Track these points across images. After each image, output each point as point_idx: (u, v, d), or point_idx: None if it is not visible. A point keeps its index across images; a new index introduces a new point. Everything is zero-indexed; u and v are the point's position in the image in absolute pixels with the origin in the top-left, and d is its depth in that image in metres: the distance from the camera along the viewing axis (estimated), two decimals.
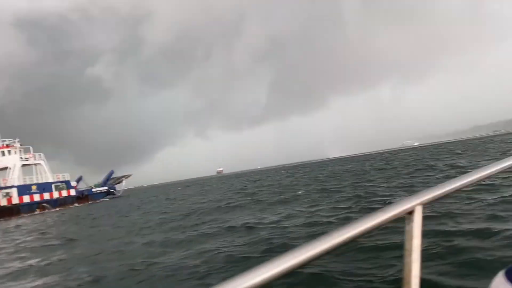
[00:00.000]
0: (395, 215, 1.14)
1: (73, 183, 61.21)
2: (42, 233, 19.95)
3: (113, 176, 75.13)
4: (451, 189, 1.38)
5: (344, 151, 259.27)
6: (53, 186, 56.81)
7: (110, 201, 56.86)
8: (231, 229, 11.01)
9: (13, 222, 37.44)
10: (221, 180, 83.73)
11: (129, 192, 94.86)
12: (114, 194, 70.02)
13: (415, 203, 1.20)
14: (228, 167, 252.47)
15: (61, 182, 59.20)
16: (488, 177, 1.56)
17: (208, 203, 22.03)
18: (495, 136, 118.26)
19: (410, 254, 1.17)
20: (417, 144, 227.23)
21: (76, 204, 57.74)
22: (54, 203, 54.85)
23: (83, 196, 61.22)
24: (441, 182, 1.37)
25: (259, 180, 47.74)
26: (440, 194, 1.33)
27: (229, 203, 19.31)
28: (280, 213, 12.87)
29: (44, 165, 57.73)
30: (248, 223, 11.45)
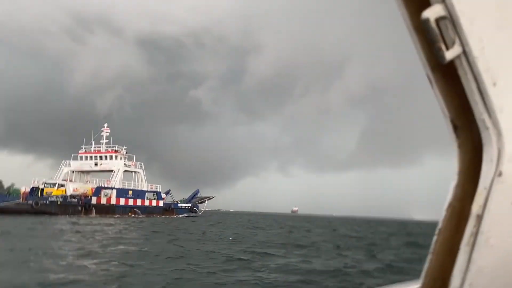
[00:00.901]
0: None
1: (163, 195, 65.83)
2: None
3: (198, 195, 79.03)
4: None
5: (430, 214, 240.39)
6: (146, 194, 61.75)
7: (191, 218, 60.08)
8: None
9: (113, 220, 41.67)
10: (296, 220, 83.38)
11: (206, 214, 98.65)
12: (196, 212, 73.45)
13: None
14: (303, 207, 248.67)
15: (153, 192, 64.13)
16: None
17: None
18: None
19: None
20: None
21: (161, 215, 61.88)
22: (143, 210, 59.47)
23: (169, 209, 65.30)
24: None
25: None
26: None
27: None
28: None
29: (142, 174, 63.23)
30: None
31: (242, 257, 14.14)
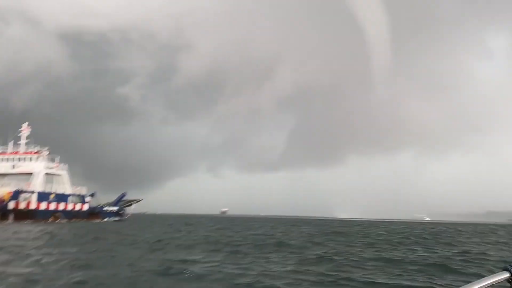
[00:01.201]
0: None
1: (87, 199, 63.75)
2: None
3: (125, 198, 77.40)
4: None
5: (354, 213, 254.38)
6: (69, 198, 59.42)
7: (117, 223, 58.82)
8: None
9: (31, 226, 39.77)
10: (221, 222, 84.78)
11: (134, 217, 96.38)
12: (122, 216, 71.95)
13: None
14: (233, 208, 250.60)
15: (77, 195, 61.87)
16: None
17: None
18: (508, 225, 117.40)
19: None
20: (428, 219, 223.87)
21: (86, 219, 59.92)
22: (67, 214, 57.21)
23: (95, 213, 63.43)
24: None
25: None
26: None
27: None
28: None
29: (65, 176, 60.71)
30: None
31: None
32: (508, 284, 1.58)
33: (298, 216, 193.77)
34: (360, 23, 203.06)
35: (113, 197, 76.57)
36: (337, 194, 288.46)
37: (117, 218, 68.79)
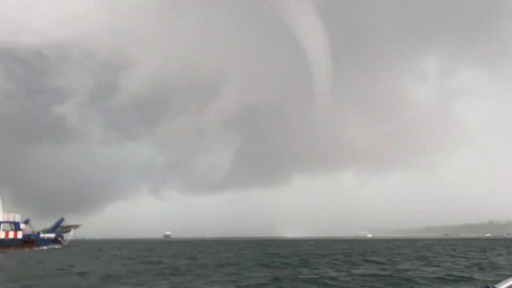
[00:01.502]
0: None
1: (22, 226, 59.39)
2: None
3: (63, 223, 73.03)
4: None
5: (300, 232, 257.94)
6: (1, 225, 55.06)
7: (56, 251, 55.20)
8: None
9: None
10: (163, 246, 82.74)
11: (73, 243, 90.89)
12: (60, 243, 67.74)
13: None
14: (177, 231, 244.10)
15: (10, 222, 57.47)
16: None
17: None
18: (444, 239, 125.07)
19: None
20: (370, 236, 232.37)
21: (21, 248, 55.68)
22: None
23: (29, 241, 59.17)
24: None
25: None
26: None
27: None
28: None
29: None
30: None
31: None
32: None
33: (244, 238, 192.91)
34: (302, 46, 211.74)
35: (49, 223, 72.00)
36: (283, 213, 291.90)
37: (55, 246, 64.62)
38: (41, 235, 63.36)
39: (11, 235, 56.20)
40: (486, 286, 1.63)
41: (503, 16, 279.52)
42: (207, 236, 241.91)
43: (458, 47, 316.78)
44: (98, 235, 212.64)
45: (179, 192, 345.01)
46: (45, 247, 61.02)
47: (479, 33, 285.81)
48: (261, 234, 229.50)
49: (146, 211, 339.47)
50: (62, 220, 72.93)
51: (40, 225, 70.90)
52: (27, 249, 55.37)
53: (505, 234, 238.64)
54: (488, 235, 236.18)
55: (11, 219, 57.63)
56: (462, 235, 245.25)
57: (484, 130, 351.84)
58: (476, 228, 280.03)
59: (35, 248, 57.73)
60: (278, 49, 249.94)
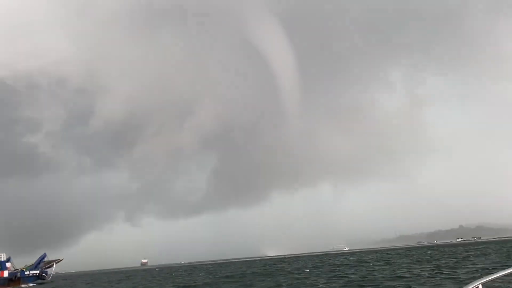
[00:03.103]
0: None
1: (7, 264, 59.90)
2: None
3: (45, 259, 73.44)
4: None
5: (282, 250, 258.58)
6: None
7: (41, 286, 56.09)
8: None
9: None
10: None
11: (55, 278, 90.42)
12: (44, 279, 68.27)
13: (478, 283, 1.68)
14: (154, 258, 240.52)
15: None
16: None
17: None
18: (417, 247, 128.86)
19: None
20: (347, 249, 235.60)
21: (6, 287, 56.29)
22: None
23: (16, 279, 59.77)
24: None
25: None
26: (500, 275, 1.83)
27: None
28: None
29: None
30: None
31: None
32: None
33: (224, 260, 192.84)
34: (269, 63, 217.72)
35: (27, 260, 72.60)
36: (263, 232, 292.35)
37: (39, 281, 65.13)
38: (26, 272, 63.86)
39: None
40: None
41: (465, 18, 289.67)
42: (182, 262, 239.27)
43: (423, 55, 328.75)
44: (73, 269, 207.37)
45: (155, 217, 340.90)
46: (30, 284, 61.64)
47: (442, 40, 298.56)
48: (242, 255, 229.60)
49: (122, 239, 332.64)
50: (44, 255, 73.61)
51: (21, 262, 71.21)
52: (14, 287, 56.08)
53: (475, 238, 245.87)
54: (460, 240, 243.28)
55: None
56: (435, 241, 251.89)
57: (452, 136, 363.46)
58: (448, 234, 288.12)
59: (23, 286, 58.38)
60: (250, 68, 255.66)
